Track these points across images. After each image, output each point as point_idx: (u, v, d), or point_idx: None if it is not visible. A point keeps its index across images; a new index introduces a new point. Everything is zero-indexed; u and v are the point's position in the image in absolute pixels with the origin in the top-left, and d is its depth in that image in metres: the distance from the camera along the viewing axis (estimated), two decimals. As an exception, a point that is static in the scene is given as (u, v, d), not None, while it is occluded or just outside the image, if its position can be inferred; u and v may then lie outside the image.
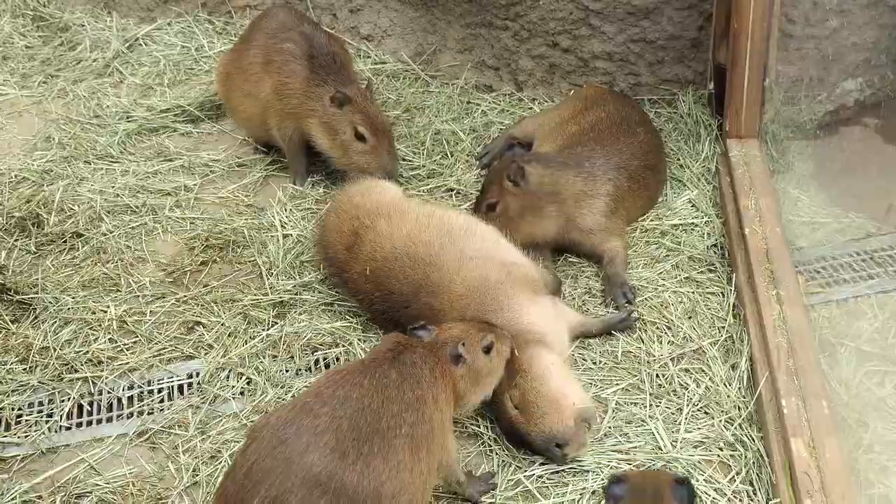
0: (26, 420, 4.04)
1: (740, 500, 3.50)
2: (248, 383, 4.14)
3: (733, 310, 4.29)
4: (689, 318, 4.34)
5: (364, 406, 3.03)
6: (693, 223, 4.85)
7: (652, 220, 4.89)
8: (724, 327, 4.25)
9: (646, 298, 4.43)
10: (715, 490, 3.54)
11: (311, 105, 5.09)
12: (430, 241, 4.12)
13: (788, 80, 5.31)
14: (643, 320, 4.32)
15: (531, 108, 5.77)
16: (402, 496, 2.97)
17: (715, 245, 4.69)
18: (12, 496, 3.70)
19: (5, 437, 3.97)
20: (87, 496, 3.71)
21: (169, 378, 4.21)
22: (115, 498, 3.71)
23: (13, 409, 4.07)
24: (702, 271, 4.57)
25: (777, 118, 5.23)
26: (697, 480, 3.56)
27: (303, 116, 5.13)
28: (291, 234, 4.90)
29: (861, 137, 5.48)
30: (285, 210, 5.08)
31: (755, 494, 3.51)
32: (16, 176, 5.43)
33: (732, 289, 4.36)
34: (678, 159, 5.26)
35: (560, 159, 4.68)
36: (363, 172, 4.92)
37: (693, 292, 4.45)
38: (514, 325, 3.84)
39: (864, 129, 5.50)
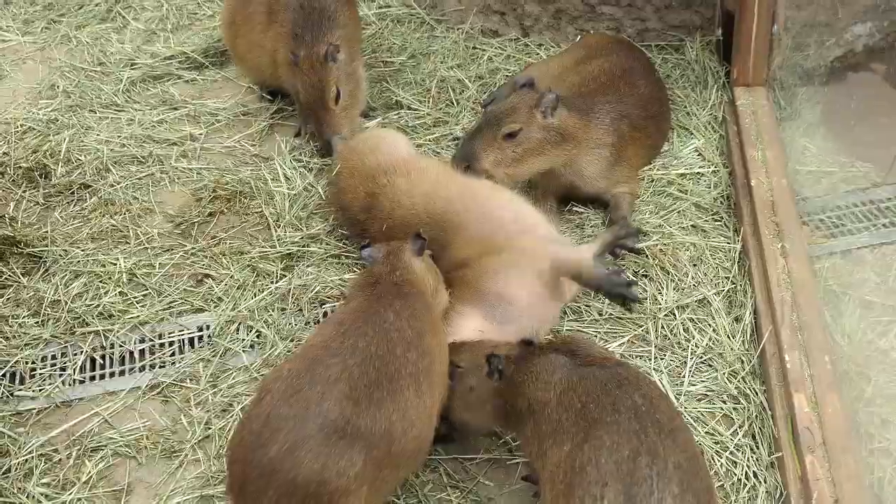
0: (40, 374, 4.10)
1: (742, 454, 3.56)
2: (257, 336, 4.18)
3: (738, 261, 4.32)
4: (695, 265, 4.36)
5: (371, 354, 3.11)
6: (699, 172, 4.84)
7: (658, 170, 4.88)
8: (728, 278, 4.27)
9: (652, 244, 4.45)
10: (717, 443, 3.60)
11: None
12: (451, 199, 4.12)
13: (797, 25, 5.25)
14: (649, 264, 4.34)
15: (538, 54, 5.73)
16: (410, 432, 3.09)
17: (721, 195, 4.69)
18: (29, 449, 3.77)
19: (20, 390, 4.03)
20: (102, 449, 3.79)
21: (179, 331, 4.25)
22: (129, 451, 3.78)
23: (27, 363, 4.13)
24: (707, 220, 4.59)
25: (785, 65, 5.19)
26: (700, 434, 3.63)
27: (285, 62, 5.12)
28: (298, 185, 4.91)
29: (869, 83, 5.45)
30: (290, 160, 5.09)
31: (757, 448, 3.57)
32: (21, 125, 5.45)
33: (739, 239, 4.38)
34: (685, 107, 5.24)
35: (577, 104, 4.65)
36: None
37: (699, 241, 4.46)
38: (490, 288, 3.87)
39: (872, 76, 5.47)
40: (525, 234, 4.01)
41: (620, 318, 4.16)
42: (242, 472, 2.95)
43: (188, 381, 4.04)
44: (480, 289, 3.88)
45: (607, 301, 4.21)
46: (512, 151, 4.40)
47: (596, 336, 4.08)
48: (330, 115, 4.93)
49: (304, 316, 4.25)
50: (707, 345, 3.99)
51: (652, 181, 4.83)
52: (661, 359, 3.96)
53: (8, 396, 4.01)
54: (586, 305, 4.22)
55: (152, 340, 4.23)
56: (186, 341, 4.22)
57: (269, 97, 5.59)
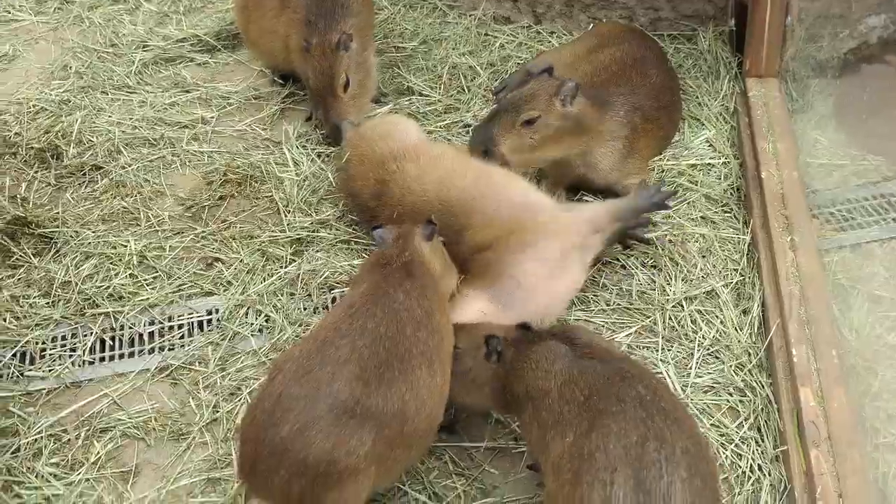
0: (50, 354, 4.12)
1: (747, 447, 3.57)
2: (266, 321, 4.20)
3: (747, 253, 4.32)
4: (704, 256, 4.36)
5: (381, 334, 3.14)
6: (710, 164, 4.84)
7: (669, 160, 4.88)
8: (737, 270, 4.27)
9: (661, 234, 4.45)
10: (722, 436, 3.61)
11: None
12: (466, 187, 4.12)
13: (810, 16, 5.24)
14: (658, 255, 4.35)
15: (550, 42, 5.72)
16: (423, 411, 3.12)
17: (732, 186, 4.69)
18: (39, 429, 3.80)
19: (31, 370, 4.06)
20: (111, 430, 3.81)
21: (189, 314, 4.28)
22: (137, 432, 3.80)
23: (37, 344, 4.15)
24: (717, 212, 4.59)
25: (798, 56, 5.17)
26: (706, 426, 3.64)
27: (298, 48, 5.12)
28: (307, 170, 4.92)
29: (883, 76, 5.42)
30: (300, 145, 5.09)
31: (763, 441, 3.58)
32: (34, 106, 5.48)
33: (749, 230, 4.38)
34: (697, 97, 5.23)
35: (593, 94, 4.63)
36: None
37: (708, 232, 4.46)
38: (503, 270, 3.89)
39: (886, 68, 5.45)
40: (540, 212, 4.03)
41: (628, 309, 4.17)
42: (254, 451, 2.98)
43: (197, 364, 4.06)
44: (493, 271, 3.90)
45: (616, 292, 4.23)
46: (529, 138, 4.39)
47: (603, 326, 4.09)
48: (338, 102, 4.94)
49: (312, 301, 4.26)
50: (714, 337, 4.00)
51: (662, 171, 4.83)
52: (668, 350, 3.97)
53: (18, 376, 4.04)
54: (594, 295, 4.23)
55: (162, 323, 4.24)
56: (196, 324, 4.23)
57: (280, 81, 5.60)
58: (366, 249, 4.48)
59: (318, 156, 5.04)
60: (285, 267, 4.42)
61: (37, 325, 4.23)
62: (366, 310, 3.22)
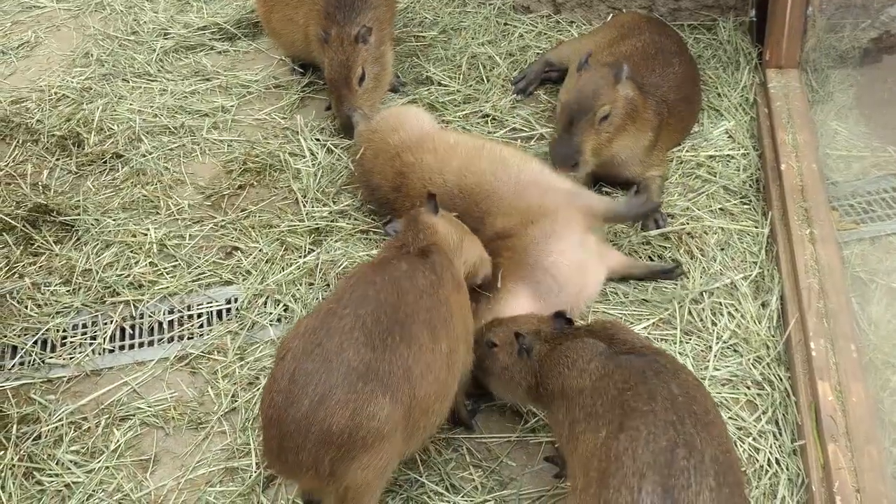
0: (71, 342, 4.17)
1: (765, 440, 3.57)
2: (285, 310, 4.22)
3: (766, 246, 4.30)
4: (722, 249, 4.35)
5: (381, 301, 3.20)
6: (729, 155, 4.82)
7: (688, 151, 4.86)
8: (756, 262, 4.26)
9: (679, 227, 4.45)
10: (740, 429, 3.61)
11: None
12: (483, 171, 4.15)
13: (832, 6, 5.19)
14: (676, 248, 4.35)
15: (569, 32, 5.70)
16: (428, 375, 3.17)
17: (751, 178, 4.67)
18: (59, 417, 3.84)
19: (52, 358, 4.10)
20: (131, 419, 3.85)
21: (208, 303, 4.30)
22: (157, 421, 3.84)
23: (58, 331, 4.20)
24: (736, 203, 4.57)
25: (819, 47, 5.13)
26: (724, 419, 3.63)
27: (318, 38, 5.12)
28: (325, 161, 4.93)
29: (905, 66, 5.38)
30: (313, 138, 5.10)
31: (780, 435, 3.57)
32: (55, 93, 5.51)
33: (767, 222, 4.36)
34: (716, 88, 5.21)
35: (637, 80, 4.63)
36: None
37: (727, 225, 4.45)
38: (534, 261, 3.92)
39: (908, 58, 5.40)
40: (554, 199, 4.05)
41: (646, 301, 4.17)
42: (278, 431, 3.02)
43: (216, 353, 4.09)
44: (526, 262, 3.94)
45: (633, 284, 4.22)
46: (605, 133, 4.41)
47: (621, 318, 4.08)
48: (352, 94, 4.93)
49: (331, 291, 4.28)
50: (732, 330, 3.99)
51: (681, 163, 4.81)
52: (687, 343, 3.96)
53: (39, 364, 4.08)
54: (612, 288, 4.23)
55: (181, 312, 4.27)
56: (214, 313, 4.26)
57: (300, 70, 5.60)
58: (383, 240, 4.48)
59: (335, 146, 5.04)
60: (304, 257, 4.43)
61: (58, 312, 4.27)
62: (366, 279, 3.28)
